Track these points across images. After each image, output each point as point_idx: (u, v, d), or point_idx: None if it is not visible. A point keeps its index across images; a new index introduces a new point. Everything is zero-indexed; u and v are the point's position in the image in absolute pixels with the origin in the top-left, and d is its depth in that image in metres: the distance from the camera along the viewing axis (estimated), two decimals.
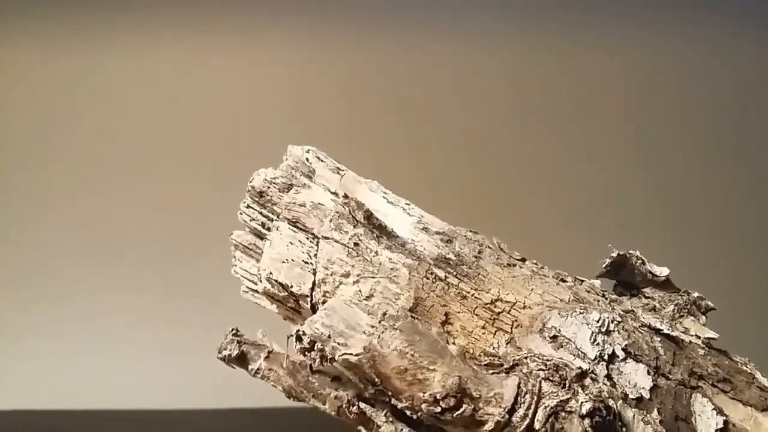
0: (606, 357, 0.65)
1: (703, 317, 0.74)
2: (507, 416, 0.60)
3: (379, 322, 0.62)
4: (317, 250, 0.70)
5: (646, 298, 0.75)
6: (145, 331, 1.85)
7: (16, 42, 1.97)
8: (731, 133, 1.99)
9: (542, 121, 1.97)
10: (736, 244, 1.93)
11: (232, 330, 0.75)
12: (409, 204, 0.76)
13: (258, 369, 0.74)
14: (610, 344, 0.66)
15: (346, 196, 0.71)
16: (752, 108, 1.99)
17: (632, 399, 0.64)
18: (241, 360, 0.74)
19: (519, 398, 0.61)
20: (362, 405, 0.67)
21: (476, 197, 1.89)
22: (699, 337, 0.71)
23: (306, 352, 0.68)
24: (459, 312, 0.69)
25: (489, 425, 0.60)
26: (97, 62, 1.96)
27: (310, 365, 0.73)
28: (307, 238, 0.72)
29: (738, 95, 1.99)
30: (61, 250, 1.90)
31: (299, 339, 0.68)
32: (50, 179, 1.93)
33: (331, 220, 0.71)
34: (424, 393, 0.60)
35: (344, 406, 0.71)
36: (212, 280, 1.76)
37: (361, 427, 0.69)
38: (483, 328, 0.68)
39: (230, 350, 0.74)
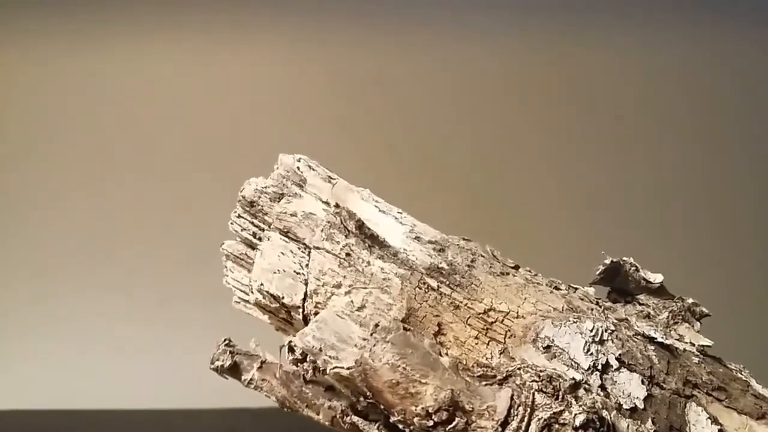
0: (600, 367, 0.65)
1: (698, 324, 0.73)
2: (500, 429, 0.60)
3: (371, 334, 0.61)
4: (309, 261, 0.70)
5: (641, 305, 0.74)
6: (145, 331, 1.86)
7: (16, 42, 1.96)
8: (730, 135, 1.98)
9: (539, 124, 1.97)
10: (731, 249, 1.93)
11: (225, 340, 0.75)
12: (401, 213, 0.75)
13: (251, 379, 0.73)
14: (603, 354, 0.65)
15: (337, 206, 0.71)
16: (752, 109, 1.98)
17: (626, 409, 0.63)
18: (234, 371, 0.74)
19: (512, 410, 0.60)
20: (354, 418, 0.67)
21: (473, 199, 1.89)
22: (693, 345, 0.70)
23: (298, 363, 0.67)
24: (452, 322, 0.68)
25: None
26: (96, 63, 1.96)
27: (303, 375, 0.72)
28: (299, 248, 0.71)
29: (738, 96, 1.98)
30: (61, 251, 1.90)
31: (291, 350, 0.68)
32: (50, 179, 1.93)
33: (322, 230, 0.70)
34: (416, 407, 0.60)
35: (338, 416, 0.71)
36: (212, 279, 1.76)
37: None
38: (476, 338, 0.68)
39: (222, 361, 0.74)
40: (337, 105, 1.95)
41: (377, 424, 0.66)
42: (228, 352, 0.74)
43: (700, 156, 1.96)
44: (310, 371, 0.67)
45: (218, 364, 0.74)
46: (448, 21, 1.99)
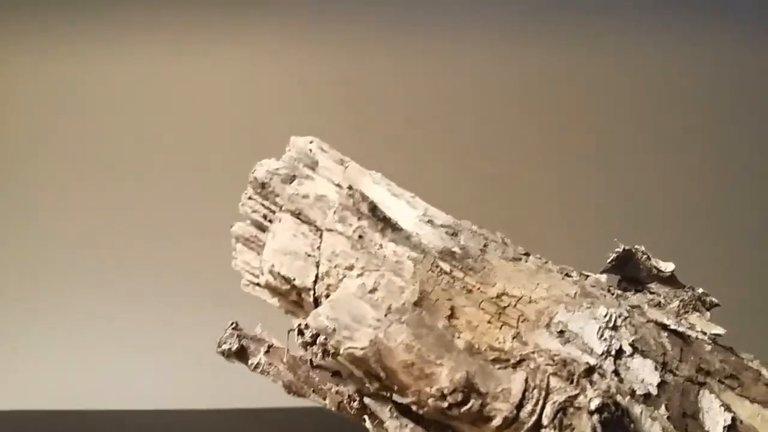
0: (613, 352, 0.65)
1: (708, 313, 0.73)
2: (515, 411, 0.59)
3: (386, 315, 0.61)
4: (321, 243, 0.69)
5: (651, 293, 0.74)
6: (145, 332, 1.86)
7: (16, 42, 1.95)
8: (732, 130, 2.00)
9: (544, 120, 1.98)
10: (739, 242, 1.94)
11: (232, 324, 0.74)
12: (413, 197, 0.74)
13: (258, 364, 0.72)
14: (617, 339, 0.65)
15: (350, 188, 0.70)
16: (753, 107, 2.00)
17: (640, 395, 0.63)
18: (241, 354, 0.73)
19: (527, 393, 0.60)
20: (366, 400, 0.66)
21: (478, 196, 1.88)
22: (705, 333, 0.70)
23: (308, 347, 0.66)
24: (464, 306, 0.68)
25: (497, 421, 0.59)
26: (97, 63, 1.96)
27: (311, 360, 0.71)
28: (311, 230, 0.70)
29: (738, 96, 1.99)
30: (62, 251, 1.89)
31: (301, 333, 0.67)
32: (50, 179, 1.92)
33: (335, 212, 0.69)
34: (431, 387, 0.59)
35: (345, 401, 0.70)
36: (211, 281, 1.75)
37: (366, 417, 0.68)
38: (489, 322, 0.67)
39: (230, 344, 0.73)
40: (338, 103, 1.95)
41: (389, 407, 0.65)
42: (235, 336, 0.73)
43: (702, 151, 1.98)
44: (320, 354, 0.66)
45: (225, 347, 0.72)
46: (449, 22, 1.99)
